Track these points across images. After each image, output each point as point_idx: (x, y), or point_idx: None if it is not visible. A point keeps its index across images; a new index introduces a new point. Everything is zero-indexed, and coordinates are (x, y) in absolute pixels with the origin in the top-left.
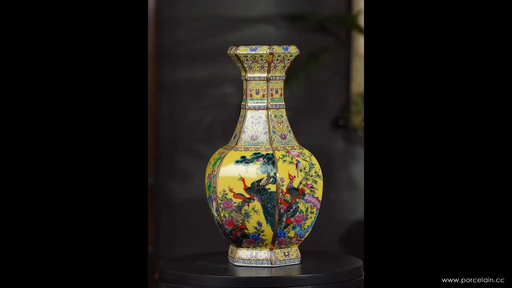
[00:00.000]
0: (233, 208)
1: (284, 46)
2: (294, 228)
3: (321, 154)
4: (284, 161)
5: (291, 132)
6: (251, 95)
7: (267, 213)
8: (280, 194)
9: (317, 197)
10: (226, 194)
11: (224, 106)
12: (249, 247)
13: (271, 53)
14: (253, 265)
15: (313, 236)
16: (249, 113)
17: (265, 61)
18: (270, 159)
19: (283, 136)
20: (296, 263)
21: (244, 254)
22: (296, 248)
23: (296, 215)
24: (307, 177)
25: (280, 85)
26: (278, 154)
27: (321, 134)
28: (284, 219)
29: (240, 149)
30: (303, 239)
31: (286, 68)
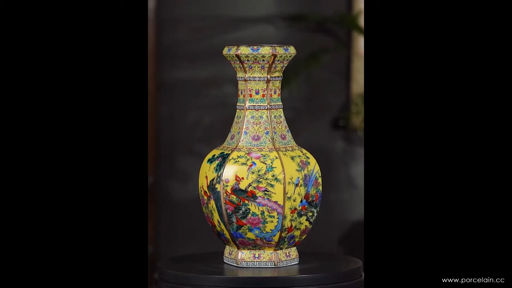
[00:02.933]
0: (204, 204)
1: (255, 47)
2: (251, 230)
3: (321, 154)
4: (236, 162)
5: (269, 133)
6: (238, 95)
7: (219, 212)
8: (225, 194)
9: (276, 201)
10: (201, 190)
11: (224, 106)
12: (228, 245)
13: (236, 54)
14: (228, 262)
15: (313, 236)
16: (236, 113)
17: (238, 62)
18: (224, 159)
19: (256, 138)
20: (269, 266)
21: (226, 251)
22: (272, 251)
23: (248, 217)
24: (260, 179)
25: (261, 86)
26: (234, 155)
27: (321, 134)
28: (234, 220)
29: (220, 148)
30: (273, 242)
31: (265, 69)
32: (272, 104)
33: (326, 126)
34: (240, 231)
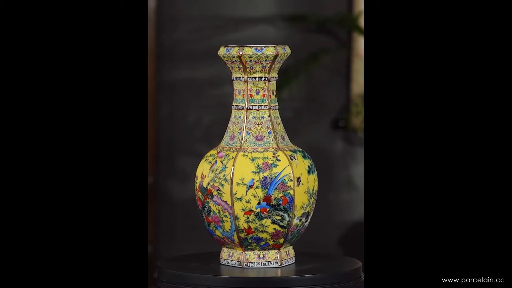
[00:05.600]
0: None
1: (229, 47)
2: (216, 228)
3: (320, 155)
4: (206, 159)
5: (242, 133)
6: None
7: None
8: (195, 191)
9: (226, 201)
10: None
11: (224, 106)
12: None
13: (217, 54)
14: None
15: (312, 237)
16: None
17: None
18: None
19: (232, 137)
20: (236, 266)
21: None
22: (241, 251)
23: (211, 215)
24: (215, 178)
25: (241, 86)
26: (209, 153)
27: (321, 135)
28: (203, 217)
29: None
30: (236, 242)
31: (242, 69)
32: (252, 104)
33: (326, 126)
34: (210, 228)
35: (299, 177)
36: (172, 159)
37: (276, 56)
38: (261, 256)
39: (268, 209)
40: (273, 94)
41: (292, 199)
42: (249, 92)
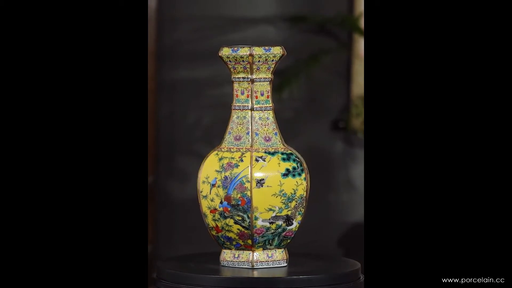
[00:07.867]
0: None
1: (222, 48)
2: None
3: (320, 155)
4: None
5: (226, 132)
6: None
7: None
8: None
9: (198, 199)
10: None
11: (224, 106)
12: None
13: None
14: None
15: (311, 237)
16: None
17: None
18: None
19: (222, 137)
20: (217, 264)
21: None
22: (222, 250)
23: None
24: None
25: (232, 86)
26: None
27: (320, 135)
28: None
29: None
30: (214, 240)
31: (228, 70)
32: (237, 105)
33: (326, 127)
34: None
35: (262, 179)
36: (172, 159)
37: (253, 56)
38: (236, 255)
39: (229, 209)
40: (262, 95)
41: (249, 200)
42: (235, 92)
